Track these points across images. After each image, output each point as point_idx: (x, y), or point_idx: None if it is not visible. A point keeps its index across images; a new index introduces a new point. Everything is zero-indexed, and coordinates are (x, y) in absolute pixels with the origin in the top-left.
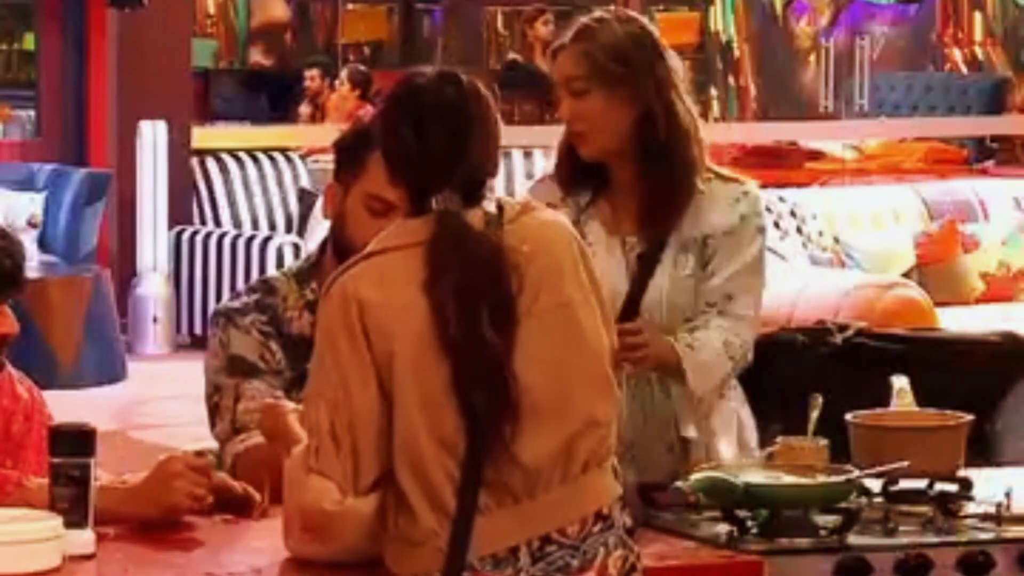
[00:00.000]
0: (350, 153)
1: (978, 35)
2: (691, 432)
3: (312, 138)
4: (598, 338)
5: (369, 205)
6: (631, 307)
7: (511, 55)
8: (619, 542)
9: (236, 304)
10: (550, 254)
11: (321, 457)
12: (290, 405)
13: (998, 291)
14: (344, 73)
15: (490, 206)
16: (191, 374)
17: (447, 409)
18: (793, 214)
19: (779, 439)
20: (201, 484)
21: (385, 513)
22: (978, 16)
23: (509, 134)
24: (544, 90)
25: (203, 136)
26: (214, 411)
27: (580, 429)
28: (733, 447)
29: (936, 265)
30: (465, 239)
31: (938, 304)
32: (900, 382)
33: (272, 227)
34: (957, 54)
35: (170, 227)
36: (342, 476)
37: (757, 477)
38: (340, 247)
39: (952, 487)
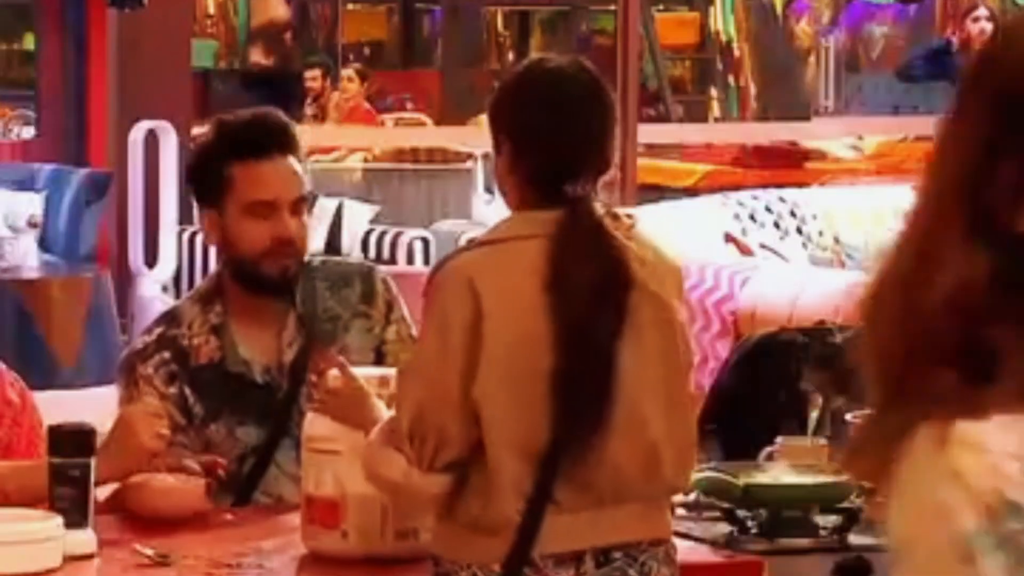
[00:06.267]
0: (208, 175)
1: None
2: None
3: (312, 138)
4: (685, 361)
5: (252, 212)
6: None
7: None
8: (667, 558)
9: (139, 345)
10: (664, 273)
11: (398, 435)
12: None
13: None
14: (349, 71)
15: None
16: None
17: (543, 402)
18: (793, 214)
19: (779, 439)
20: (161, 425)
21: (454, 498)
22: None
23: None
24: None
25: None
26: None
27: (661, 440)
28: None
29: None
30: (600, 233)
31: None
32: None
33: None
34: None
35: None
36: (415, 453)
37: (757, 477)
38: (237, 267)
39: None
